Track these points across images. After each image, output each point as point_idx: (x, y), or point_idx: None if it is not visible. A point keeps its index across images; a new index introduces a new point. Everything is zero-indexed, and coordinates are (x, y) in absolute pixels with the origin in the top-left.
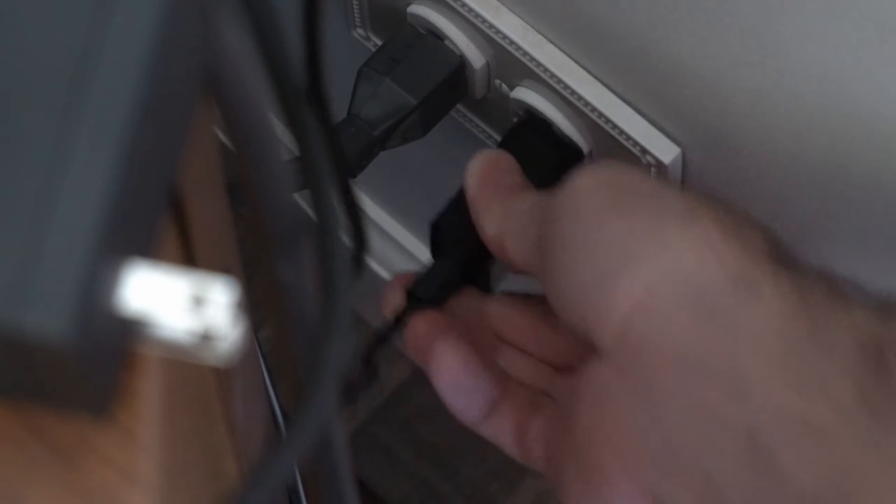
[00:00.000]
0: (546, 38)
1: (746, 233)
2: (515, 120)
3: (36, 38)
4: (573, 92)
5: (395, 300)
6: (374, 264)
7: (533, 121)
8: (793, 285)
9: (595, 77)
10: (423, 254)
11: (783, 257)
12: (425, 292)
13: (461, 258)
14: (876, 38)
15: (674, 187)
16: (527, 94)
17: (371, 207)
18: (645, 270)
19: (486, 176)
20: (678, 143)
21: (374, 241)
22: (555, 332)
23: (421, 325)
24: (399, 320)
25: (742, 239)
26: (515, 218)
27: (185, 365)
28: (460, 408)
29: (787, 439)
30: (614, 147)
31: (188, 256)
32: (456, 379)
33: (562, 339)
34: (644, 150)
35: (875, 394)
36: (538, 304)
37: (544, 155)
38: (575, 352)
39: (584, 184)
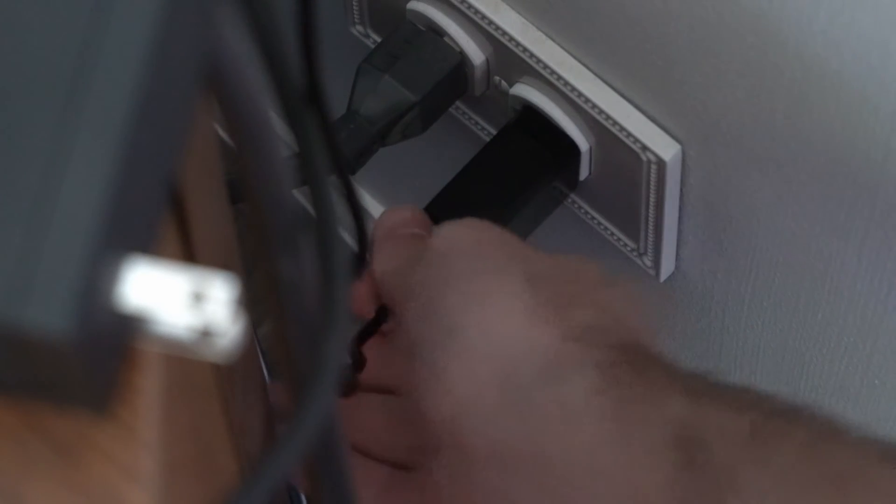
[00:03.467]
0: (546, 34)
1: (573, 311)
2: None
3: (35, 34)
4: (573, 89)
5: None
6: None
7: (527, 118)
8: (607, 379)
9: (595, 74)
10: None
11: (615, 346)
12: None
13: None
14: (877, 36)
15: (531, 252)
16: (526, 91)
17: (370, 203)
18: (464, 355)
19: (392, 228)
20: (678, 140)
21: None
22: (402, 429)
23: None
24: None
25: (565, 317)
26: (396, 259)
27: (185, 361)
28: None
29: None
30: (614, 144)
31: (188, 253)
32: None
33: (407, 437)
34: (644, 147)
35: (689, 493)
36: (388, 400)
37: (538, 153)
38: (418, 451)
39: (453, 239)
